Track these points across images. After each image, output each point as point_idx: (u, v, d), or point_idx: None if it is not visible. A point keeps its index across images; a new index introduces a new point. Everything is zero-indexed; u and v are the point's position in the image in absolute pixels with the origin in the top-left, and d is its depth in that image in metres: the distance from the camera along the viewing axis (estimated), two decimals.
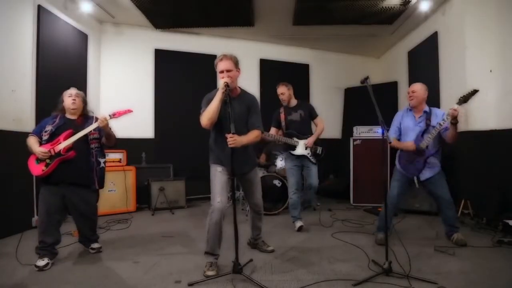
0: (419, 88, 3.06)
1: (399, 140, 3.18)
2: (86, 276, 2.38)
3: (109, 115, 2.71)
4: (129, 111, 2.81)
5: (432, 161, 3.00)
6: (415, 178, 3.02)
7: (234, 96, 2.52)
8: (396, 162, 3.18)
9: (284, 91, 3.73)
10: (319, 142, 3.82)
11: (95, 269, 2.54)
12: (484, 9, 4.13)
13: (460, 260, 2.62)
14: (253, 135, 2.49)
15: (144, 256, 2.81)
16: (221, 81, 2.42)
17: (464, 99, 2.73)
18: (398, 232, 3.07)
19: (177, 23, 5.45)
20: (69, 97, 2.75)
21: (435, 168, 3.03)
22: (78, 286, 2.24)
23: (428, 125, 2.98)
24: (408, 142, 3.03)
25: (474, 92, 2.70)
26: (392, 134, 3.16)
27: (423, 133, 2.98)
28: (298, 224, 3.63)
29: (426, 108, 3.08)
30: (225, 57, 2.47)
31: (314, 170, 3.75)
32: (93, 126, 2.69)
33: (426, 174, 3.02)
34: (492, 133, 3.85)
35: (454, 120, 2.71)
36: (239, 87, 2.62)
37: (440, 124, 2.81)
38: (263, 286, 2.13)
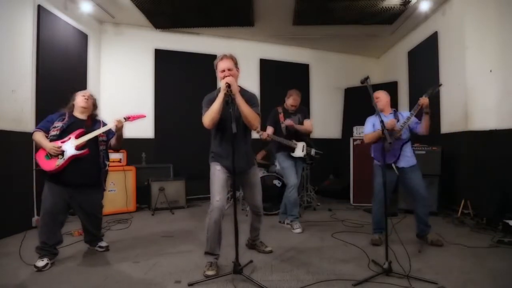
0: (384, 95, 3.22)
1: None
2: (86, 276, 2.38)
3: (124, 118, 2.72)
4: (143, 116, 2.86)
5: (407, 153, 3.06)
6: (393, 165, 3.01)
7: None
8: (373, 156, 3.21)
9: (297, 100, 3.80)
10: (312, 143, 3.86)
11: (95, 269, 2.54)
12: (484, 9, 4.13)
13: (460, 260, 2.62)
14: (252, 111, 2.41)
15: (144, 256, 2.81)
16: (221, 82, 2.40)
17: (431, 93, 2.97)
18: (398, 232, 3.06)
19: (177, 23, 5.45)
20: (82, 96, 2.77)
21: (411, 161, 3.08)
22: (78, 286, 2.24)
23: (397, 119, 3.12)
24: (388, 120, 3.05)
25: (439, 85, 3.22)
26: (368, 131, 3.21)
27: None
28: (298, 227, 3.60)
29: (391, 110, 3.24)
30: (225, 56, 2.50)
31: (300, 171, 3.87)
32: (108, 126, 2.72)
33: (401, 163, 3.05)
34: (492, 133, 3.85)
35: (427, 109, 2.91)
36: (239, 86, 2.60)
37: (412, 113, 3.00)
38: (263, 286, 2.13)
